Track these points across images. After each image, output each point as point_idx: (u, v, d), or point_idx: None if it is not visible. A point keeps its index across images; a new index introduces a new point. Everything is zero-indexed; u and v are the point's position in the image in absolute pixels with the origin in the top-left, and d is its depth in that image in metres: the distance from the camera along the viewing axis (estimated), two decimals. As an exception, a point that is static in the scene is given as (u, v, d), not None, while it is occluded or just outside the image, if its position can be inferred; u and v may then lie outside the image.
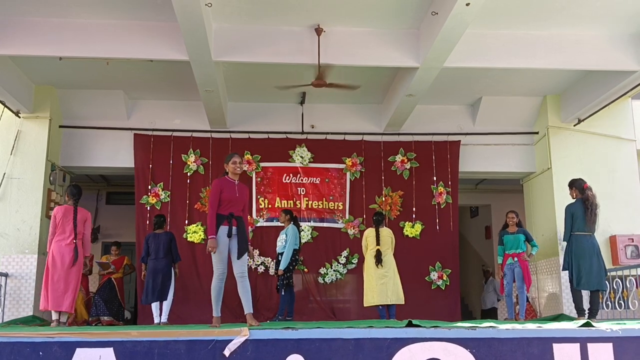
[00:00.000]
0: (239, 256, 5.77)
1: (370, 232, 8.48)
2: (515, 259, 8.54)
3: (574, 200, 7.69)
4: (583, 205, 7.46)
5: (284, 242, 8.55)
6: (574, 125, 9.90)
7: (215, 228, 5.75)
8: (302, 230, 9.70)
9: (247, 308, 5.83)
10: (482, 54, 8.14)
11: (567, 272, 7.63)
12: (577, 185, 7.66)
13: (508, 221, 8.77)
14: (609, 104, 9.25)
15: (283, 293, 8.50)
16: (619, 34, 8.26)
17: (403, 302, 8.23)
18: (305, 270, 9.83)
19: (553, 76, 9.34)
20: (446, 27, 6.95)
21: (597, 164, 9.77)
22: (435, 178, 10.22)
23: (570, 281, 7.49)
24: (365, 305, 8.39)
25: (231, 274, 5.85)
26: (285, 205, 9.93)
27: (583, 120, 9.75)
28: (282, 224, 8.88)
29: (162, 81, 9.42)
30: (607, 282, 7.97)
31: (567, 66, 8.43)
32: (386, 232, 8.44)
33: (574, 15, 7.80)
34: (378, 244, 8.28)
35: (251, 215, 9.79)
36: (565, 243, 7.67)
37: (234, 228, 5.78)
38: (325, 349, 4.27)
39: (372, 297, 8.22)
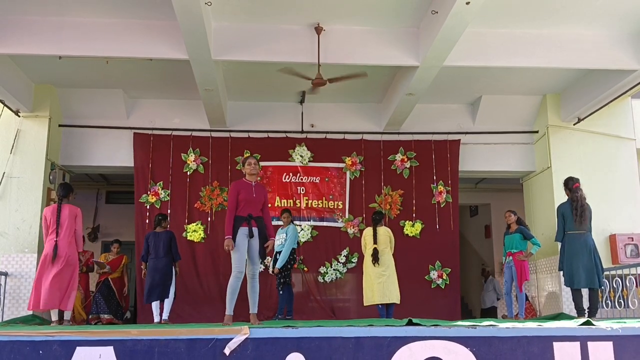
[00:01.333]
0: (263, 258, 5.98)
1: (368, 232, 8.49)
2: (511, 257, 8.56)
3: (565, 200, 7.70)
4: (571, 205, 7.46)
5: (283, 241, 8.52)
6: (574, 124, 9.90)
7: (231, 228, 5.87)
8: (302, 230, 9.72)
9: (253, 308, 5.91)
10: (482, 52, 8.14)
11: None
12: (568, 185, 7.67)
13: (506, 221, 8.80)
14: (609, 102, 9.25)
15: (281, 292, 8.49)
16: (619, 33, 8.26)
17: (399, 302, 8.23)
18: (305, 269, 9.84)
19: (553, 75, 9.34)
20: (446, 26, 6.94)
21: (597, 162, 9.77)
22: (435, 177, 10.23)
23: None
24: (365, 304, 8.39)
25: None
26: (285, 205, 9.92)
27: (583, 119, 9.75)
28: (283, 223, 8.84)
29: (162, 80, 9.41)
30: (606, 280, 7.98)
31: (567, 65, 8.44)
32: (383, 231, 8.44)
33: (573, 14, 7.80)
34: (376, 242, 8.29)
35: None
36: (559, 243, 7.68)
37: (254, 229, 5.89)
38: (325, 348, 4.26)
39: (371, 296, 8.22)
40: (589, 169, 9.54)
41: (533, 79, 9.49)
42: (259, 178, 10.03)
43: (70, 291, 7.02)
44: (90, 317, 9.50)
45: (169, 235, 8.48)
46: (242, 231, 5.86)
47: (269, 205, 9.80)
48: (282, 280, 8.44)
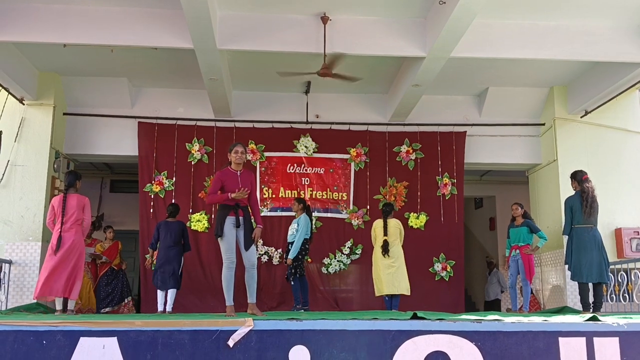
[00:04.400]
0: (247, 248, 5.88)
1: (378, 223, 8.46)
2: (517, 251, 8.53)
3: (573, 193, 7.65)
4: (580, 197, 7.41)
5: (295, 232, 8.49)
6: (581, 117, 9.83)
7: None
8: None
9: (251, 298, 5.91)
10: (489, 44, 8.06)
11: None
12: (577, 177, 7.62)
13: (512, 213, 8.75)
14: (616, 95, 9.17)
15: (292, 282, 8.47)
16: (627, 26, 8.17)
17: (408, 293, 8.23)
18: (309, 260, 9.81)
19: (560, 67, 9.26)
20: (453, 16, 6.87)
21: (604, 156, 9.71)
22: (440, 169, 10.18)
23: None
24: (377, 295, 8.38)
25: (240, 263, 5.92)
26: (290, 196, 9.91)
27: (590, 112, 9.68)
28: (295, 212, 8.78)
29: (166, 69, 9.36)
30: (611, 274, 7.93)
31: (575, 57, 8.34)
32: (393, 223, 8.42)
33: (582, 6, 7.72)
34: (386, 234, 8.27)
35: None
36: (566, 237, 7.63)
37: (240, 218, 5.86)
38: (329, 341, 4.25)
39: (381, 287, 8.21)
40: (596, 162, 9.48)
41: (540, 71, 9.42)
42: (263, 169, 10.05)
43: (75, 280, 7.00)
44: (109, 309, 9.41)
45: (180, 225, 8.52)
46: (230, 221, 5.84)
47: (273, 196, 9.94)
48: (293, 271, 8.40)
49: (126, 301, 9.54)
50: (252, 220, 6.04)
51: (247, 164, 9.64)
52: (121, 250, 9.89)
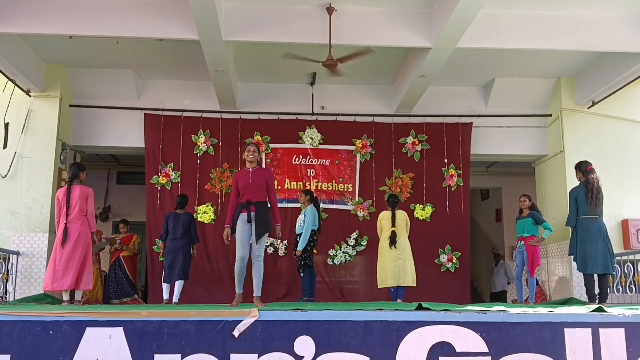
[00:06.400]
0: (257, 239, 6.05)
1: (386, 215, 8.45)
2: (523, 242, 8.51)
3: (578, 184, 7.61)
4: (585, 188, 7.37)
5: (302, 223, 8.49)
6: (588, 108, 9.77)
7: (230, 218, 6.17)
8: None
9: (256, 291, 6.04)
10: (496, 34, 8.01)
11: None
12: (582, 168, 7.59)
13: (520, 205, 8.73)
14: (624, 86, 9.11)
15: (302, 274, 8.48)
16: (636, 16, 8.10)
17: (415, 285, 8.23)
18: (315, 252, 9.81)
19: (567, 58, 9.20)
20: (460, 7, 6.83)
21: (611, 147, 9.66)
22: (446, 160, 10.15)
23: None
24: (380, 287, 8.39)
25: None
26: (295, 187, 9.91)
27: (597, 103, 9.62)
28: (302, 205, 8.78)
29: (172, 61, 9.37)
30: (617, 266, 7.91)
31: (582, 48, 8.28)
32: (401, 215, 8.42)
33: (590, -4, 7.67)
34: (394, 225, 8.26)
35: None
36: (571, 228, 7.60)
37: (252, 214, 6.04)
38: (334, 331, 4.25)
39: (386, 278, 8.21)
40: (603, 153, 9.44)
41: (547, 61, 9.36)
42: (269, 160, 10.05)
43: (84, 271, 7.02)
44: (111, 301, 9.49)
45: (189, 217, 8.56)
46: (242, 217, 6.08)
47: (279, 187, 9.93)
48: (302, 263, 8.42)
49: (128, 299, 9.58)
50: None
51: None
52: (137, 242, 10.04)
